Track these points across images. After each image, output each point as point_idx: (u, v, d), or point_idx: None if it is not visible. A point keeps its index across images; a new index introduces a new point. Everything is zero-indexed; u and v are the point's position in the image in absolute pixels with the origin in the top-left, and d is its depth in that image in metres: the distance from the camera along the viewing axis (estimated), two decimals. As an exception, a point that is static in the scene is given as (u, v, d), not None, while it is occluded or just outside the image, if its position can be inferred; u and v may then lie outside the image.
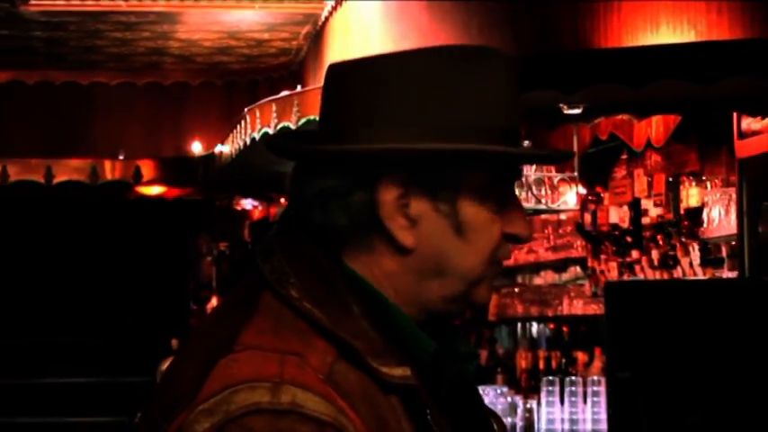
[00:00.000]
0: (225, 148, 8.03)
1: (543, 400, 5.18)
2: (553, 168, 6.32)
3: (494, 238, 1.47)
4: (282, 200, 9.51)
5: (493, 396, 5.38)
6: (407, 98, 1.44)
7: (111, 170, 9.49)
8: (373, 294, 1.45)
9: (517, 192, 6.08)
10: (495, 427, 1.57)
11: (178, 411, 1.36)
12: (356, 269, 1.45)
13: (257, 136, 6.67)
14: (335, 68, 1.50)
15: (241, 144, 7.13)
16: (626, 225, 8.43)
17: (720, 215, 7.23)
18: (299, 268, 1.44)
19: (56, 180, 9.40)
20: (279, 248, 1.47)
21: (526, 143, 6.31)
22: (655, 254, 8.11)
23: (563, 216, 8.92)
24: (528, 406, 5.31)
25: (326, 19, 7.11)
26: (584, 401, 5.11)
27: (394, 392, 1.41)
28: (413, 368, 1.43)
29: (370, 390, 1.39)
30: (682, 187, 7.84)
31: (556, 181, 6.26)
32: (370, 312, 1.43)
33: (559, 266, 9.66)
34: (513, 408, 5.35)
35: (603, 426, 4.90)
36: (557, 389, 5.17)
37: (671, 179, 8.02)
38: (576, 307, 9.10)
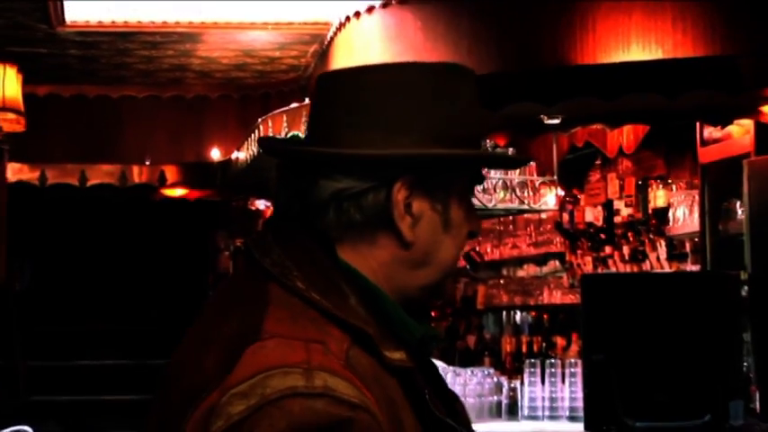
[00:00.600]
0: (240, 155, 8.02)
1: (526, 381, 5.17)
2: (535, 173, 6.31)
3: (464, 233, 1.51)
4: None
5: (481, 377, 5.37)
6: (411, 108, 1.44)
7: (138, 174, 9.47)
8: (367, 284, 1.44)
9: (502, 194, 6.03)
10: (458, 406, 1.56)
11: (205, 395, 1.32)
12: (350, 261, 1.44)
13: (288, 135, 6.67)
14: (334, 77, 1.49)
15: (255, 151, 7.12)
16: (600, 223, 8.43)
17: (684, 214, 7.23)
18: (299, 262, 1.42)
19: (89, 183, 9.38)
20: (276, 243, 1.45)
21: (510, 150, 6.30)
22: (626, 249, 8.11)
23: (544, 215, 8.91)
24: (512, 386, 5.30)
25: (332, 39, 7.09)
26: (563, 381, 5.10)
27: (394, 375, 1.40)
28: (407, 352, 1.43)
29: (379, 373, 1.38)
30: (650, 189, 7.84)
31: (537, 184, 6.25)
32: (365, 301, 1.42)
33: (540, 260, 9.65)
34: (498, 387, 5.34)
35: (580, 403, 4.89)
36: (538, 370, 5.16)
37: (640, 182, 8.01)
38: (555, 297, 9.11)
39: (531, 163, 6.32)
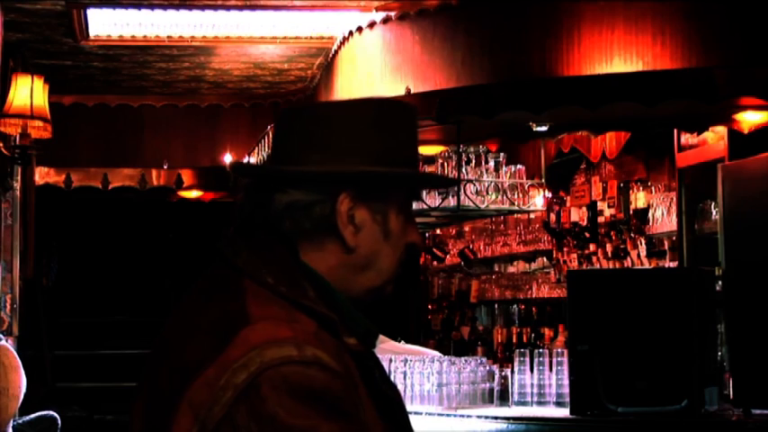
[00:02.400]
0: (251, 159, 8.01)
1: (516, 369, 5.15)
2: (524, 176, 6.29)
3: (403, 243, 1.62)
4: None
5: (474, 365, 5.36)
6: (353, 134, 1.58)
7: (157, 177, 9.45)
8: (322, 282, 1.55)
9: (494, 196, 5.99)
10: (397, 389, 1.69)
11: (200, 371, 1.41)
12: (307, 262, 1.56)
13: (255, 159, 6.66)
14: (292, 111, 1.63)
15: (264, 156, 7.11)
16: (585, 223, 8.42)
17: (663, 215, 7.22)
18: (267, 261, 1.54)
19: (111, 186, 9.36)
20: (246, 245, 1.57)
21: (502, 155, 6.29)
22: (609, 247, 8.10)
23: (532, 216, 8.90)
24: (503, 374, 5.29)
25: (336, 52, 7.09)
26: (551, 370, 5.09)
27: (351, 356, 1.51)
28: (357, 339, 1.55)
29: (341, 352, 1.48)
30: (631, 192, 7.83)
31: (526, 186, 6.23)
32: (321, 295, 1.54)
33: (529, 257, 9.64)
34: (491, 375, 5.32)
35: (566, 390, 4.88)
36: (527, 359, 5.14)
37: (622, 185, 8.00)
38: (543, 291, 9.09)
39: (520, 167, 6.31)
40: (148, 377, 1.52)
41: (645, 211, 7.54)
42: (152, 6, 6.54)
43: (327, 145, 1.57)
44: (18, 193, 7.64)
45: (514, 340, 9.24)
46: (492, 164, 6.14)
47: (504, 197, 6.08)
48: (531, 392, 5.09)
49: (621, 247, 7.91)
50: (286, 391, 1.37)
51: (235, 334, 1.42)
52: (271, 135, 6.92)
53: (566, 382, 4.89)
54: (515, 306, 9.72)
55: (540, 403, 5.06)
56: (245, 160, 8.46)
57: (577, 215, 8.49)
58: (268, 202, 1.58)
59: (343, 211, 1.55)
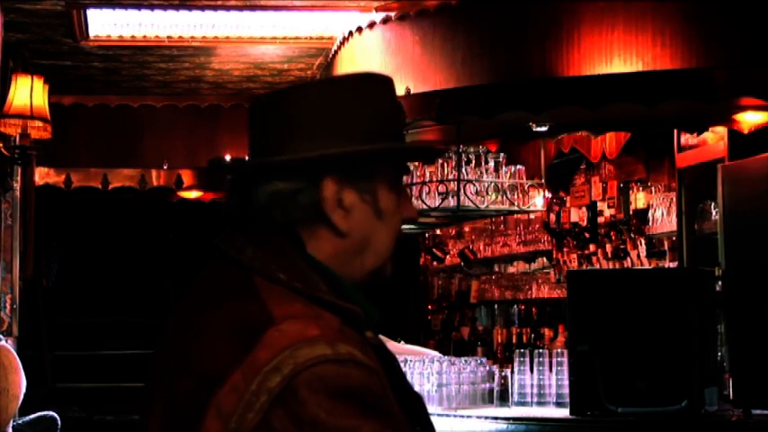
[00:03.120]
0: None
1: (516, 369, 5.15)
2: (524, 176, 6.29)
3: (398, 219, 1.56)
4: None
5: (474, 365, 5.35)
6: (329, 114, 1.52)
7: (157, 178, 9.45)
8: (330, 273, 1.49)
9: (494, 196, 5.99)
10: None
11: (225, 377, 1.34)
12: (313, 254, 1.50)
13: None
14: (262, 99, 1.59)
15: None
16: (585, 223, 8.42)
17: (663, 215, 7.22)
18: (273, 256, 1.47)
19: (111, 186, 9.36)
20: (248, 242, 1.50)
21: (502, 155, 6.29)
22: (608, 247, 8.10)
23: (532, 216, 8.90)
24: (503, 374, 5.29)
25: (336, 52, 7.09)
26: (551, 370, 5.09)
27: (373, 350, 1.45)
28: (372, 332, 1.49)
29: (367, 347, 1.42)
30: (631, 192, 7.83)
31: (526, 187, 6.23)
32: (331, 287, 1.48)
33: (529, 258, 9.64)
34: (491, 375, 5.32)
35: (566, 390, 4.88)
36: (527, 360, 5.14)
37: (622, 185, 8.00)
38: (543, 291, 9.09)
39: (520, 167, 6.31)
40: (163, 384, 1.45)
41: (645, 211, 7.54)
42: (152, 6, 6.54)
43: (305, 129, 1.51)
44: (18, 193, 7.64)
45: (514, 340, 9.24)
46: (492, 164, 6.13)
47: (504, 197, 6.08)
48: (531, 393, 5.09)
49: (621, 247, 7.91)
50: (324, 391, 1.32)
51: (260, 336, 1.36)
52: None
53: (566, 382, 4.89)
54: (515, 306, 9.72)
55: (539, 404, 5.06)
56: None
57: (577, 215, 8.49)
58: (253, 195, 1.53)
59: (329, 197, 1.49)
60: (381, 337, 1.63)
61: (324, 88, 1.55)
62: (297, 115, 1.52)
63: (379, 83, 1.58)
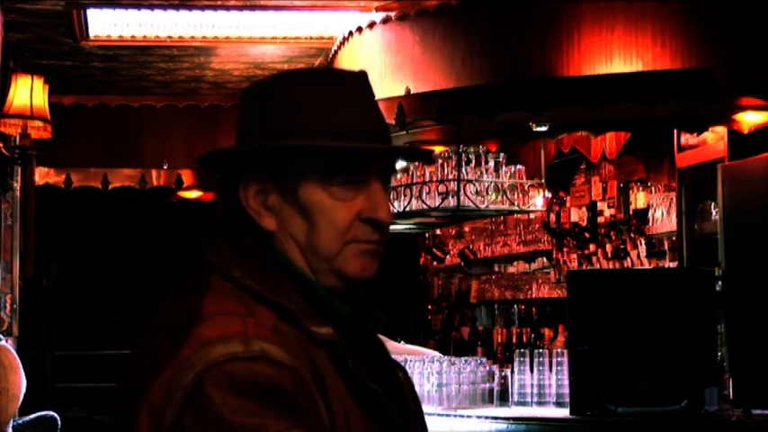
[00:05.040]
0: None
1: (516, 369, 5.16)
2: (524, 176, 6.29)
3: (344, 218, 1.48)
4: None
5: (474, 365, 5.36)
6: (259, 112, 1.50)
7: (157, 178, 9.45)
8: (296, 270, 1.48)
9: (494, 196, 5.97)
10: (401, 375, 1.60)
11: (158, 373, 1.36)
12: (285, 252, 1.49)
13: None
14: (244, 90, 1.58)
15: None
16: (585, 223, 8.42)
17: (663, 215, 7.22)
18: (239, 254, 1.48)
19: (111, 186, 9.36)
20: (220, 239, 1.51)
21: (501, 155, 6.29)
22: (608, 247, 8.10)
23: (532, 216, 8.90)
24: (503, 374, 5.29)
25: (336, 52, 7.09)
26: (551, 370, 5.09)
27: (321, 347, 1.44)
28: (334, 328, 1.47)
29: (305, 344, 1.42)
30: (631, 192, 7.83)
31: (526, 186, 6.23)
32: (297, 285, 1.47)
33: (529, 258, 9.64)
34: (491, 375, 5.32)
35: (566, 390, 4.88)
36: (527, 359, 5.14)
37: (622, 185, 8.00)
38: (543, 291, 9.09)
39: (520, 167, 6.31)
40: (121, 382, 1.48)
41: (645, 211, 7.54)
42: (152, 6, 6.54)
43: (241, 126, 1.53)
44: (18, 193, 7.64)
45: (514, 340, 9.24)
46: (492, 164, 6.13)
47: (504, 197, 6.08)
48: (531, 393, 5.09)
49: (621, 247, 7.91)
50: (230, 388, 1.31)
51: (188, 333, 1.37)
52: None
53: (566, 382, 4.89)
54: (515, 306, 9.72)
55: (539, 403, 5.06)
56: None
57: (577, 215, 8.49)
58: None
59: (249, 196, 1.49)
60: (382, 337, 1.61)
61: (260, 86, 1.53)
62: (243, 111, 1.54)
63: (327, 78, 1.53)
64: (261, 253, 1.48)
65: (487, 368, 5.39)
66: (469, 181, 5.98)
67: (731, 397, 4.98)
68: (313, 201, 1.48)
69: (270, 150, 1.49)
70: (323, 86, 1.51)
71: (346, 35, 6.63)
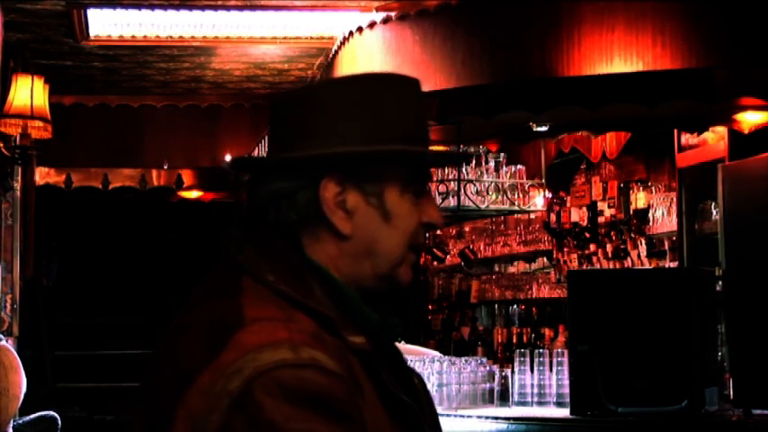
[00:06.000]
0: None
1: (516, 369, 5.16)
2: (524, 176, 6.30)
3: (412, 224, 1.50)
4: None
5: (474, 365, 5.36)
6: (337, 114, 1.48)
7: (157, 178, 9.46)
8: (328, 277, 1.47)
9: (494, 196, 6.00)
10: (416, 381, 1.60)
11: (194, 377, 1.34)
12: (312, 256, 1.48)
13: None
14: (279, 98, 1.55)
15: (265, 156, 7.12)
16: (585, 223, 8.42)
17: (663, 215, 7.22)
18: (269, 257, 1.46)
19: (111, 186, 9.37)
20: (249, 241, 1.49)
21: (502, 155, 6.30)
22: (609, 247, 8.10)
23: (532, 216, 8.90)
24: (504, 374, 5.29)
25: (336, 52, 7.09)
26: (551, 370, 5.09)
27: (356, 356, 1.43)
28: (366, 337, 1.46)
29: (342, 352, 1.40)
30: (631, 192, 7.83)
31: (527, 186, 6.24)
32: (327, 291, 1.46)
33: (529, 258, 9.64)
34: (491, 375, 5.33)
35: (567, 390, 4.88)
36: (527, 359, 5.15)
37: (622, 185, 8.00)
38: (543, 291, 9.09)
39: (520, 167, 6.31)
40: (146, 383, 1.46)
41: (645, 211, 7.54)
42: (152, 6, 6.54)
43: (312, 128, 1.48)
44: (18, 193, 7.64)
45: (515, 340, 9.24)
46: (492, 164, 6.14)
47: (505, 197, 6.09)
48: (532, 393, 5.09)
49: (622, 247, 7.91)
50: (282, 396, 1.30)
51: (229, 337, 1.35)
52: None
53: (566, 382, 4.89)
54: (515, 306, 9.72)
55: (540, 403, 5.06)
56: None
57: (578, 215, 8.49)
58: (255, 193, 1.51)
59: (328, 197, 1.46)
60: None
61: (334, 87, 1.52)
62: (305, 114, 1.49)
63: (397, 83, 1.54)
64: (292, 256, 1.47)
65: (488, 368, 5.39)
66: (470, 181, 5.99)
67: (731, 397, 4.99)
68: (395, 205, 1.49)
69: (375, 155, 1.48)
70: (398, 91, 1.52)
71: (346, 35, 6.63)
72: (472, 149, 6.12)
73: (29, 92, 6.68)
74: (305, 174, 1.47)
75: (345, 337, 1.43)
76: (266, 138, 1.60)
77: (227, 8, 6.50)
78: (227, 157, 9.25)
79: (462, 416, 4.94)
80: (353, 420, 1.34)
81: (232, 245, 1.50)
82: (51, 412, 6.53)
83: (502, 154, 6.26)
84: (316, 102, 1.49)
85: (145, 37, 7.28)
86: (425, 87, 1.57)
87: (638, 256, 7.70)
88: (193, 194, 9.88)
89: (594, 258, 8.26)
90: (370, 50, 6.27)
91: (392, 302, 1.58)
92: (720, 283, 5.36)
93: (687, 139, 6.71)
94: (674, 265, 7.05)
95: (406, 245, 1.51)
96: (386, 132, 1.49)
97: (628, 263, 7.79)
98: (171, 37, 7.26)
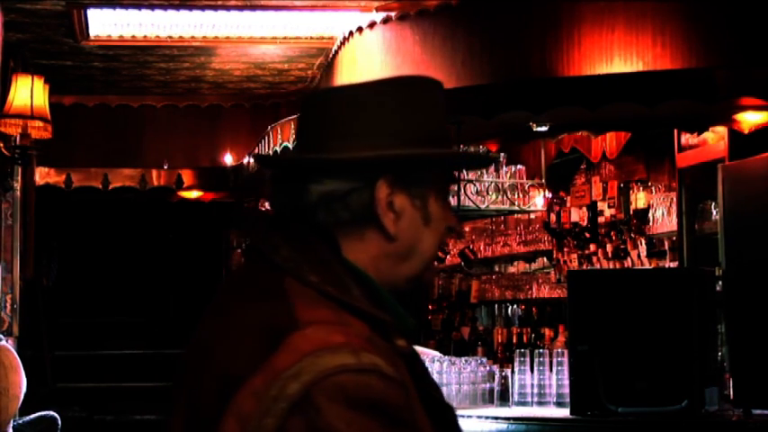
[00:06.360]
0: (252, 160, 8.02)
1: (516, 369, 5.16)
2: (524, 176, 6.30)
3: (443, 228, 1.53)
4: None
5: (474, 365, 5.36)
6: (384, 115, 1.48)
7: (157, 178, 9.46)
8: (366, 278, 1.46)
9: (494, 196, 6.01)
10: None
11: (245, 380, 1.31)
12: (349, 257, 1.46)
13: (278, 149, 6.67)
14: (317, 96, 1.54)
15: (270, 153, 7.13)
16: (585, 223, 8.42)
17: (663, 215, 7.22)
18: (308, 258, 1.44)
19: (111, 186, 9.37)
20: (285, 241, 1.46)
21: (502, 155, 6.30)
22: (609, 247, 8.10)
23: (532, 216, 8.90)
24: (504, 374, 5.29)
25: (336, 52, 7.09)
26: (551, 370, 5.09)
27: (401, 359, 1.42)
28: (405, 339, 1.46)
29: (395, 357, 1.39)
30: (631, 192, 7.83)
31: (527, 186, 6.24)
32: (365, 293, 1.44)
33: (529, 258, 9.64)
34: (491, 375, 5.33)
35: (567, 390, 4.88)
36: (527, 359, 5.15)
37: (622, 185, 8.00)
38: (543, 291, 9.09)
39: (520, 167, 6.31)
40: (187, 384, 1.41)
41: (645, 211, 7.54)
42: (152, 6, 6.55)
43: (359, 129, 1.47)
44: (18, 193, 7.64)
45: (515, 340, 9.23)
46: (492, 164, 6.14)
47: (505, 197, 6.09)
48: (532, 393, 5.09)
49: (622, 247, 7.91)
50: (343, 401, 1.27)
51: (282, 340, 1.32)
52: (271, 135, 6.92)
53: (566, 382, 4.89)
54: (515, 306, 9.71)
55: (540, 403, 5.06)
56: (246, 161, 8.47)
57: (578, 215, 8.49)
58: (301, 193, 1.47)
59: (382, 198, 1.45)
60: None
61: (379, 89, 1.51)
62: (351, 113, 1.48)
63: (432, 87, 1.55)
64: (330, 257, 1.45)
65: (488, 368, 5.39)
66: (470, 181, 5.99)
67: (731, 397, 4.99)
68: (434, 208, 1.50)
69: (429, 157, 1.50)
70: (432, 93, 1.53)
71: (346, 35, 6.63)
72: (472, 149, 6.12)
73: (29, 92, 6.68)
74: (361, 175, 1.46)
75: (394, 340, 1.42)
76: (298, 135, 1.53)
77: (227, 8, 6.50)
78: (227, 158, 9.25)
79: (462, 416, 4.94)
80: (411, 427, 1.33)
81: (266, 244, 1.47)
82: (51, 412, 6.54)
83: (502, 154, 6.26)
84: (360, 102, 1.49)
85: (145, 37, 7.29)
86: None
87: (638, 256, 7.70)
88: (193, 194, 9.88)
89: (594, 258, 8.26)
90: (370, 50, 6.27)
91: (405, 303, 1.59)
92: (720, 283, 5.36)
93: (687, 139, 6.71)
94: (674, 265, 7.05)
95: (437, 247, 1.53)
96: (428, 134, 1.50)
97: (628, 263, 7.79)
98: (171, 37, 7.26)
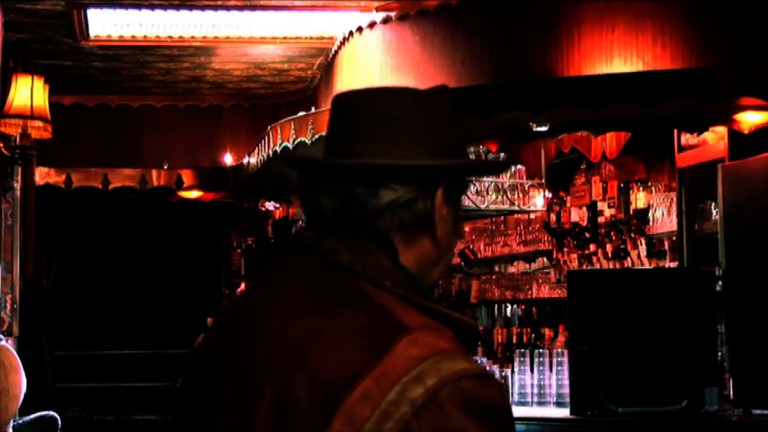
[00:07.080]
0: (252, 160, 8.02)
1: (516, 369, 5.16)
2: (524, 176, 6.30)
3: (459, 232, 1.59)
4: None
5: (474, 365, 5.35)
6: (439, 125, 1.52)
7: (157, 178, 9.46)
8: (418, 283, 1.47)
9: (494, 196, 6.01)
10: None
11: (354, 384, 1.30)
12: (402, 261, 1.48)
13: (278, 149, 6.67)
14: (358, 98, 1.53)
15: (265, 156, 7.12)
16: (585, 223, 8.42)
17: (663, 215, 7.22)
18: (369, 261, 1.44)
19: (111, 186, 9.37)
20: (340, 243, 1.45)
21: (502, 155, 6.29)
22: (609, 247, 8.10)
23: (532, 216, 8.90)
24: (504, 374, 5.29)
25: (336, 52, 7.09)
26: (551, 370, 5.09)
27: None
28: None
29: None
30: (631, 192, 7.83)
31: (527, 186, 6.25)
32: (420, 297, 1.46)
33: (529, 258, 9.64)
34: (491, 375, 5.33)
35: (567, 390, 4.88)
36: (527, 359, 5.15)
37: (622, 185, 8.00)
38: (543, 291, 9.08)
39: (520, 167, 6.31)
40: (272, 384, 1.36)
41: (645, 211, 7.54)
42: (152, 6, 6.54)
43: (412, 136, 1.48)
44: (18, 193, 7.64)
45: (514, 340, 9.22)
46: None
47: (505, 197, 6.09)
48: (532, 393, 5.09)
49: (621, 247, 7.91)
50: (466, 406, 1.29)
51: (392, 344, 1.32)
52: (271, 135, 6.91)
53: (566, 382, 4.89)
54: (515, 306, 9.71)
55: (540, 404, 5.06)
56: (246, 161, 8.47)
57: (577, 215, 8.48)
58: (369, 197, 1.46)
59: (439, 206, 1.49)
60: None
61: (425, 98, 1.53)
62: (402, 120, 1.49)
63: (449, 96, 1.58)
64: (388, 262, 1.46)
65: (488, 368, 5.39)
66: (470, 181, 5.98)
67: (731, 397, 4.99)
68: (458, 216, 1.56)
69: (478, 165, 1.60)
70: (449, 103, 1.57)
71: (346, 35, 6.63)
72: (472, 149, 6.12)
73: (29, 92, 6.68)
74: (426, 182, 1.49)
75: (471, 345, 1.46)
76: (338, 135, 1.47)
77: (227, 8, 6.50)
78: (227, 158, 9.24)
79: (462, 416, 4.93)
80: (513, 431, 1.38)
81: (321, 245, 1.46)
82: (51, 412, 6.54)
83: (502, 154, 6.25)
84: (412, 109, 1.51)
85: (145, 37, 7.29)
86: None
87: (638, 256, 7.70)
88: (193, 194, 9.88)
89: (594, 258, 8.26)
90: (370, 50, 6.27)
91: None
92: (720, 283, 5.35)
93: (687, 139, 6.71)
94: (674, 265, 7.05)
95: (453, 253, 1.59)
96: (462, 145, 1.58)
97: (628, 263, 7.79)
98: (171, 37, 7.26)
